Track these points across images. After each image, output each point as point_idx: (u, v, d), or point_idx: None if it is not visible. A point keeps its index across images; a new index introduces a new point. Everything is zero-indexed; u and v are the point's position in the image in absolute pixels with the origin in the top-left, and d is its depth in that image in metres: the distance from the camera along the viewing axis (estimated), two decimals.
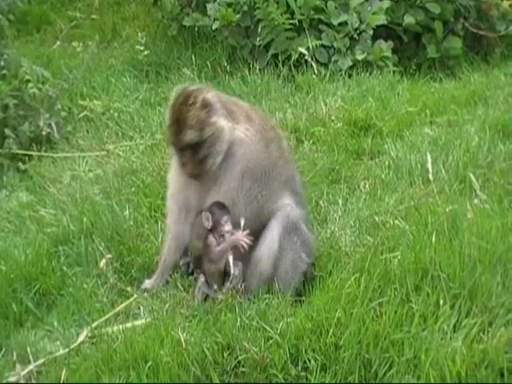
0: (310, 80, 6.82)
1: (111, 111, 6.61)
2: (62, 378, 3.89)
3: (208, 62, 7.40)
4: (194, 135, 4.18)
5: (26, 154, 6.17)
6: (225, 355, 3.89)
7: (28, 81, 6.45)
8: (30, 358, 3.88)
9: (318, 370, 3.75)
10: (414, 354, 3.70)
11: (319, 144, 5.82)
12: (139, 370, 3.84)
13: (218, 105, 4.27)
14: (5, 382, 3.86)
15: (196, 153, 4.21)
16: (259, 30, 7.45)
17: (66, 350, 4.04)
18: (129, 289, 4.50)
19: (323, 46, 7.30)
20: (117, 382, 3.81)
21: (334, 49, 7.30)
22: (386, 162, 5.49)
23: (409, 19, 7.52)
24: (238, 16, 7.59)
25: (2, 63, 6.49)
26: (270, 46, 7.43)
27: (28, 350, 3.91)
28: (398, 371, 3.68)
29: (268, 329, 3.96)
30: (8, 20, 6.90)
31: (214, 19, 7.69)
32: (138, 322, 4.22)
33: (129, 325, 4.18)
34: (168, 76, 7.37)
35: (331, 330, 3.86)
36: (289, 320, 3.99)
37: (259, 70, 7.11)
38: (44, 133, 6.25)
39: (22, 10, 8.10)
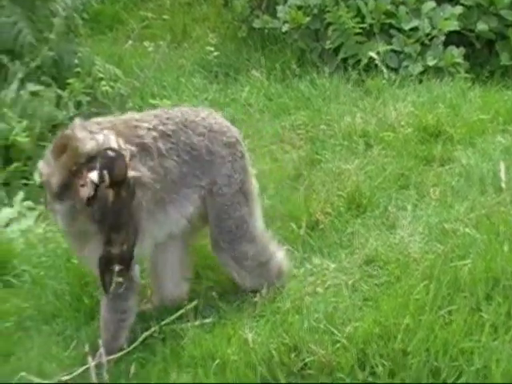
0: (380, 85, 6.78)
1: None
2: (131, 371, 3.96)
3: (277, 65, 7.41)
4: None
5: None
6: (291, 356, 3.91)
7: (101, 79, 6.56)
8: (101, 350, 3.95)
9: (386, 375, 3.74)
10: (484, 364, 3.67)
11: (388, 149, 5.78)
12: (206, 367, 3.89)
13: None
14: (76, 373, 3.94)
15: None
16: (329, 33, 7.44)
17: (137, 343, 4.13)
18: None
19: (393, 50, 7.26)
20: (184, 378, 3.86)
21: (405, 54, 7.24)
22: (457, 170, 5.43)
23: (482, 26, 7.42)
24: (307, 19, 7.59)
25: (76, 61, 6.60)
26: (339, 49, 7.41)
27: (99, 342, 3.97)
28: (468, 380, 3.65)
29: (335, 332, 3.97)
30: (82, 19, 7.03)
31: (284, 22, 7.71)
32: (207, 321, 4.26)
33: (197, 323, 4.22)
34: (237, 77, 7.41)
35: (399, 336, 3.85)
36: (356, 324, 3.99)
37: (328, 73, 7.11)
38: None
39: (96, 10, 8.22)
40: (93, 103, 6.42)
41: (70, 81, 6.30)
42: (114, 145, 3.93)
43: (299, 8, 7.66)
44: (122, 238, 3.95)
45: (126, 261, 3.99)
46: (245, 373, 3.85)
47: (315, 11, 7.63)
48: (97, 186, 3.83)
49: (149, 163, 4.05)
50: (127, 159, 3.91)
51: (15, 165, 5.80)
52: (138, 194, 3.98)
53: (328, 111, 6.44)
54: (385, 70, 6.95)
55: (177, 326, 4.21)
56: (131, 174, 3.92)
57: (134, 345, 4.09)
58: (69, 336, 4.28)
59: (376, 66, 7.01)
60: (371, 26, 7.38)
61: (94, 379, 3.85)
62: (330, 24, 7.44)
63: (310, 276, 4.53)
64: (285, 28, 7.67)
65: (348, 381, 3.76)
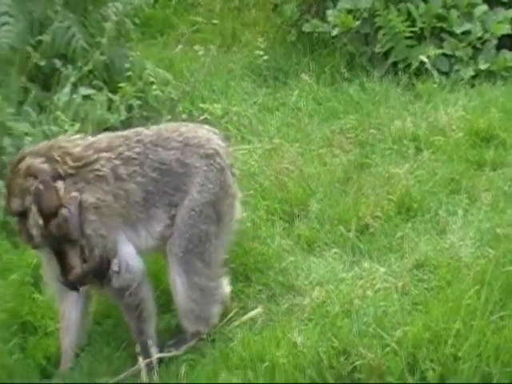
0: (431, 89, 6.73)
1: (230, 115, 6.68)
2: (181, 372, 3.99)
3: (326, 69, 7.39)
4: (17, 204, 4.06)
5: None
6: (341, 360, 3.91)
7: (152, 83, 6.59)
8: (152, 350, 3.99)
9: (436, 380, 3.72)
10: None
11: (439, 153, 5.73)
12: (255, 369, 3.90)
13: (46, 171, 4.07)
14: (126, 373, 3.99)
15: (26, 222, 4.08)
16: (379, 37, 7.40)
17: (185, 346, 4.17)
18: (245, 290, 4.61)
19: (444, 54, 7.20)
20: (234, 380, 3.88)
21: (456, 58, 7.17)
22: (509, 174, 5.36)
23: None
24: (357, 23, 7.56)
25: (128, 65, 6.65)
26: (389, 53, 7.37)
27: (149, 341, 4.02)
28: None
29: (385, 336, 3.96)
30: (133, 23, 7.08)
31: (334, 26, 7.68)
32: (253, 313, 4.29)
33: (244, 318, 4.26)
34: (286, 81, 7.41)
35: (450, 341, 3.83)
36: (406, 328, 3.97)
37: (378, 77, 7.08)
38: None
39: (147, 14, 8.25)
40: (144, 107, 6.46)
41: (122, 85, 6.34)
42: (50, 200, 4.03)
43: (349, 12, 7.64)
44: (71, 261, 4.07)
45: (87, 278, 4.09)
46: (294, 375, 3.86)
47: (365, 15, 7.60)
48: None
49: (104, 188, 4.10)
50: (59, 192, 4.03)
51: None
52: (91, 217, 4.05)
53: (378, 115, 6.41)
54: (435, 74, 6.90)
55: (226, 329, 4.23)
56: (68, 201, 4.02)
57: (184, 347, 4.14)
58: (119, 337, 4.32)
59: (426, 69, 6.97)
60: (422, 29, 7.32)
61: (144, 380, 3.89)
62: (379, 28, 7.40)
63: (360, 279, 4.52)
64: (334, 32, 7.64)
65: None
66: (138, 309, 4.13)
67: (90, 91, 6.28)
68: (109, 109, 6.23)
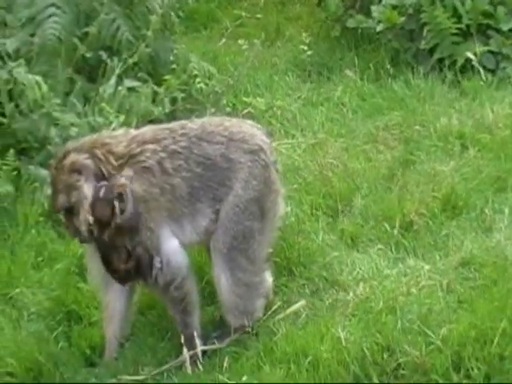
0: (477, 86, 6.66)
1: (274, 109, 6.68)
2: (225, 364, 4.00)
3: (371, 65, 7.33)
4: (63, 200, 4.09)
5: None
6: (385, 356, 3.90)
7: (196, 76, 6.61)
8: (197, 341, 4.01)
9: (481, 379, 3.69)
10: None
11: (485, 151, 5.67)
12: (299, 363, 3.90)
13: (90, 167, 4.09)
14: (170, 364, 4.02)
15: (73, 218, 4.12)
16: (424, 33, 7.34)
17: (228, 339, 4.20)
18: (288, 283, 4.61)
19: (491, 51, 7.12)
20: (277, 373, 3.89)
21: (503, 55, 7.09)
22: None
23: None
24: (402, 19, 7.50)
25: (172, 58, 6.68)
26: (434, 50, 7.29)
27: (194, 334, 4.04)
28: None
29: (430, 333, 3.93)
30: (178, 17, 7.11)
31: (378, 21, 7.62)
32: (297, 305, 4.30)
33: (288, 311, 4.29)
34: (330, 77, 7.37)
35: (496, 340, 3.79)
36: (451, 326, 3.95)
37: (423, 74, 7.02)
38: None
39: (191, 8, 8.28)
40: (188, 99, 6.49)
41: (166, 77, 6.37)
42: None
43: (394, 7, 7.57)
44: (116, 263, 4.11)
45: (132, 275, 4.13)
46: (337, 370, 3.86)
47: (410, 11, 7.53)
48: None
49: (151, 180, 4.12)
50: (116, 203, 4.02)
51: None
52: (142, 209, 4.07)
53: (423, 112, 6.36)
54: (482, 71, 6.83)
55: (270, 322, 4.24)
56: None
57: (227, 340, 4.18)
58: (164, 327, 4.35)
59: (472, 66, 6.90)
60: (468, 26, 7.23)
61: (189, 370, 3.92)
62: (425, 24, 7.33)
63: (404, 276, 4.50)
64: (379, 28, 7.57)
65: (442, 382, 3.73)
66: (183, 303, 4.15)
67: (134, 83, 6.32)
68: (153, 101, 6.27)
